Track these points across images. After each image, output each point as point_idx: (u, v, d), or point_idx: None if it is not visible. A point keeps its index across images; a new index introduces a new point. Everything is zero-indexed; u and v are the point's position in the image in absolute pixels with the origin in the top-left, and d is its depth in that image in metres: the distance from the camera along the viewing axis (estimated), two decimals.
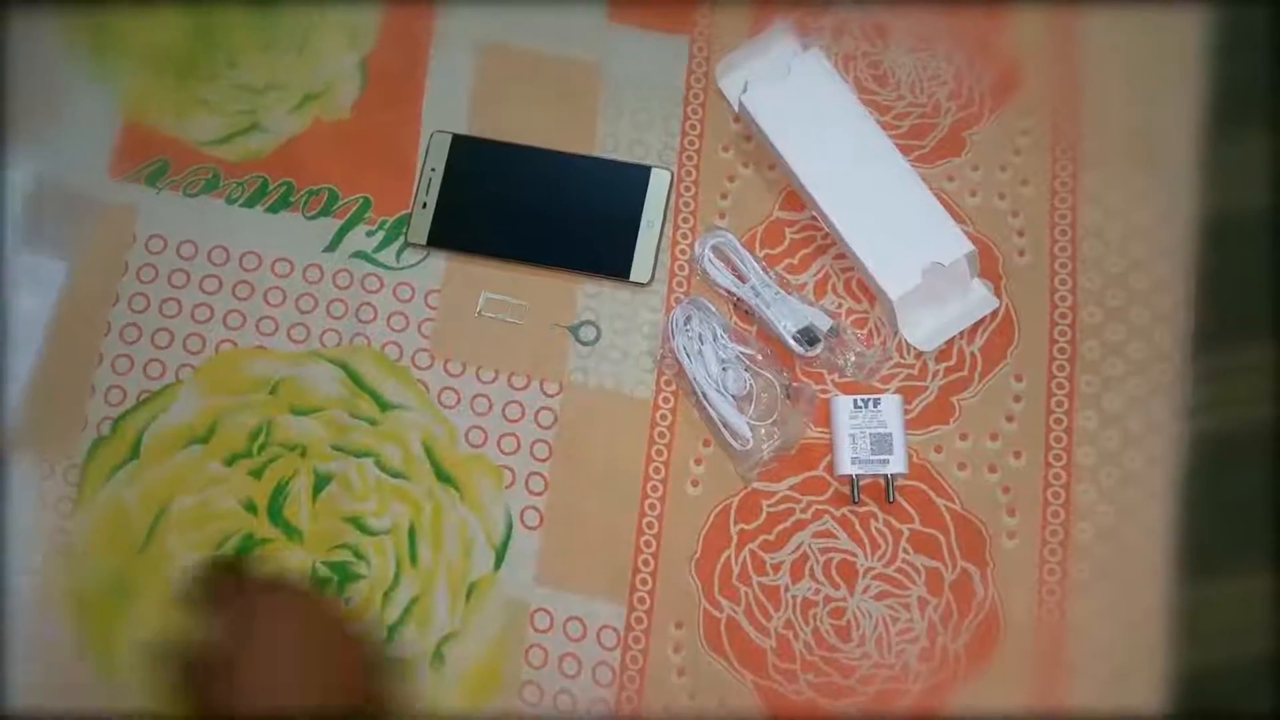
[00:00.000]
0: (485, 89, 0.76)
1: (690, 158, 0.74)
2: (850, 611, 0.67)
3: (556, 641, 0.67)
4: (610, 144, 0.75)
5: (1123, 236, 0.71)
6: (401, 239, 0.73)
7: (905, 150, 0.73)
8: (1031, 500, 0.68)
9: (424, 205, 0.73)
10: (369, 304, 0.72)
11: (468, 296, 0.72)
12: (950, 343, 0.70)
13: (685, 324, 0.69)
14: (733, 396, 0.68)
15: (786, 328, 0.69)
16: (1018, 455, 0.69)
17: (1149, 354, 0.69)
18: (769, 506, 0.69)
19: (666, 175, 0.73)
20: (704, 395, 0.68)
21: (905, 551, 0.68)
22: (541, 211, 0.73)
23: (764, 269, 0.71)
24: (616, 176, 0.73)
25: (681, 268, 0.72)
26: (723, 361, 0.69)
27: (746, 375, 0.69)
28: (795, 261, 0.72)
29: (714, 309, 0.70)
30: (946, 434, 0.69)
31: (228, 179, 0.74)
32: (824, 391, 0.70)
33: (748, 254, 0.71)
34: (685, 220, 0.73)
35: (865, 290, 0.71)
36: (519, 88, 0.76)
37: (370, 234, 0.73)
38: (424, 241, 0.73)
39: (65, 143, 0.74)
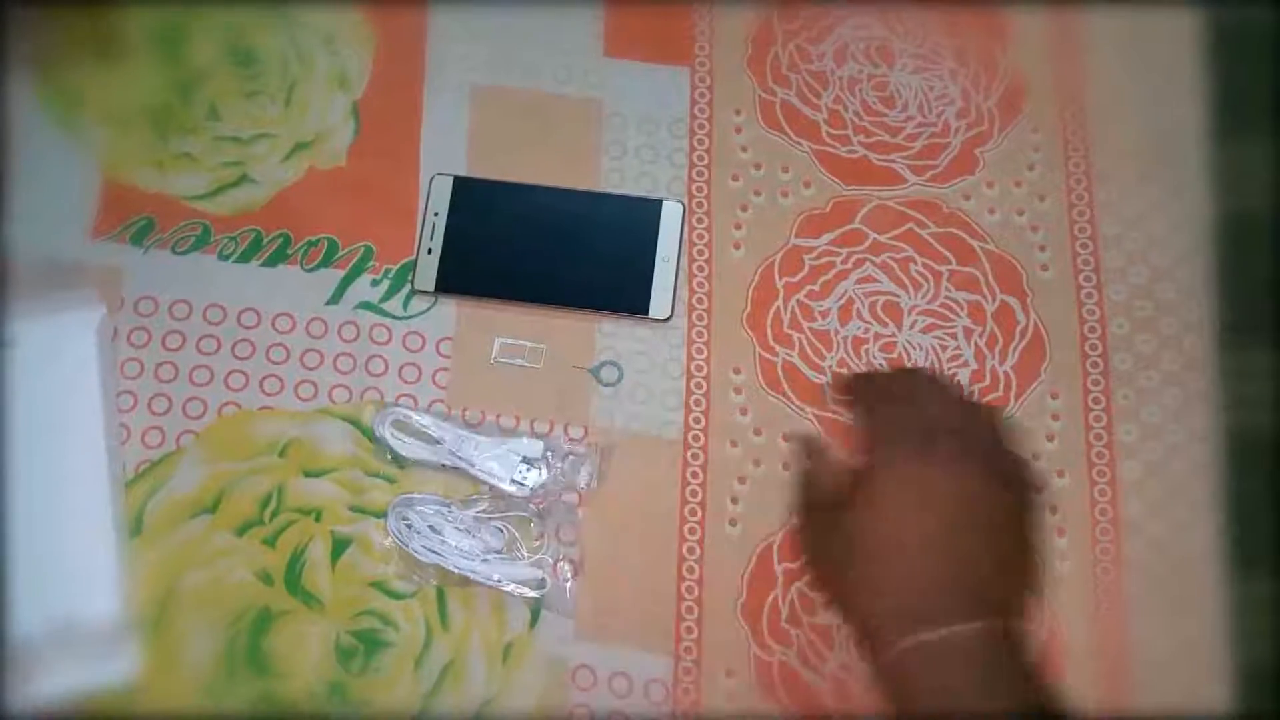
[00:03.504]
0: (483, 130, 0.73)
1: (700, 189, 0.72)
2: None
3: (602, 699, 0.64)
4: (616, 179, 0.72)
5: (1143, 246, 0.71)
6: (408, 287, 0.70)
7: (918, 170, 0.72)
8: (1080, 519, 0.67)
9: (429, 251, 0.70)
10: (379, 356, 0.69)
11: (482, 342, 0.69)
12: (982, 362, 0.69)
13: (410, 528, 0.64)
14: (496, 553, 0.64)
15: (497, 475, 0.65)
16: (1061, 474, 0.67)
17: (1182, 363, 0.69)
18: None
19: (679, 208, 0.71)
20: (477, 574, 0.64)
21: None
22: (552, 251, 0.70)
23: (448, 423, 0.67)
24: (628, 212, 0.71)
25: (700, 300, 0.70)
26: (467, 531, 0.65)
27: (495, 524, 0.65)
28: (817, 288, 0.70)
29: (417, 495, 0.66)
30: None
31: (219, 234, 0.70)
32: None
33: (427, 416, 0.67)
34: (700, 253, 0.71)
35: (892, 313, 0.70)
36: (518, 127, 0.73)
37: (375, 283, 0.70)
38: (431, 288, 0.69)
39: (41, 204, 0.70)
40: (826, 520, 0.54)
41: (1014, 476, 0.54)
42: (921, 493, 0.52)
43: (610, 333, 0.70)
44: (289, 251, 0.70)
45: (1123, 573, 0.66)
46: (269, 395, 0.68)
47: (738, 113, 0.74)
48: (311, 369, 0.68)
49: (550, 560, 0.65)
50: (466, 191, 0.71)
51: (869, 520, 0.52)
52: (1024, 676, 0.49)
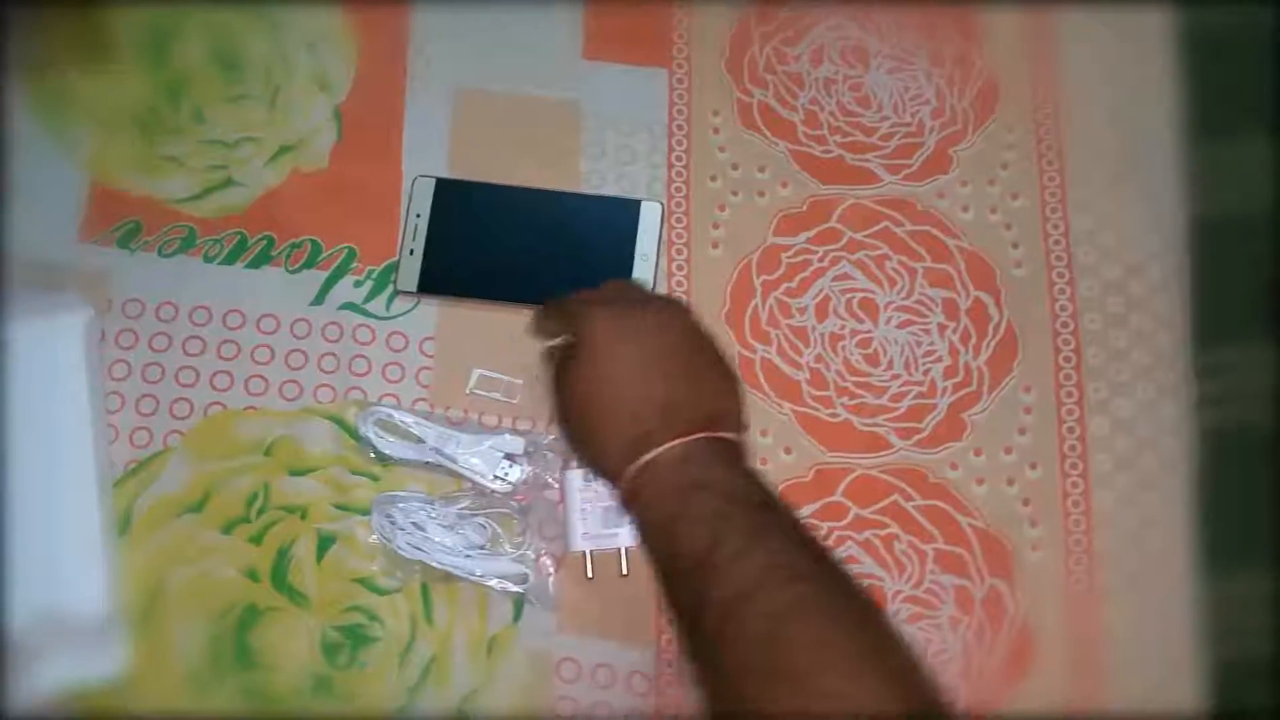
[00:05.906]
0: (464, 132, 0.74)
1: (679, 189, 0.73)
2: None
3: (586, 691, 0.65)
4: (595, 180, 0.73)
5: (1116, 243, 0.72)
6: (390, 287, 0.71)
7: (893, 170, 0.73)
8: (1052, 511, 0.68)
9: (411, 252, 0.71)
10: (362, 356, 0.70)
11: (464, 342, 0.70)
12: (956, 358, 0.70)
13: (394, 525, 0.65)
14: (480, 549, 0.65)
15: (480, 471, 0.66)
16: (1034, 467, 0.69)
17: (1153, 358, 0.70)
18: None
19: (658, 207, 0.72)
20: (460, 570, 0.64)
21: (932, 572, 0.67)
22: (533, 251, 0.71)
23: (431, 422, 0.67)
24: (607, 211, 0.72)
25: (680, 300, 0.71)
26: (450, 527, 0.65)
27: (479, 520, 0.66)
28: (794, 285, 0.71)
29: (401, 492, 0.67)
30: (960, 450, 0.69)
31: (204, 236, 0.71)
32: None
33: (410, 415, 0.68)
34: (679, 252, 0.72)
35: (868, 309, 0.71)
36: (498, 129, 0.74)
37: (358, 284, 0.71)
38: (414, 289, 0.71)
39: (31, 209, 0.71)
40: (555, 383, 0.60)
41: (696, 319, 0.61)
42: (625, 331, 0.58)
43: None
44: (273, 253, 0.71)
45: (1095, 565, 0.67)
46: (254, 395, 0.69)
47: (715, 114, 0.75)
48: (296, 369, 0.69)
49: (533, 555, 0.66)
50: (448, 193, 0.72)
51: (586, 368, 0.58)
52: (741, 475, 0.55)
